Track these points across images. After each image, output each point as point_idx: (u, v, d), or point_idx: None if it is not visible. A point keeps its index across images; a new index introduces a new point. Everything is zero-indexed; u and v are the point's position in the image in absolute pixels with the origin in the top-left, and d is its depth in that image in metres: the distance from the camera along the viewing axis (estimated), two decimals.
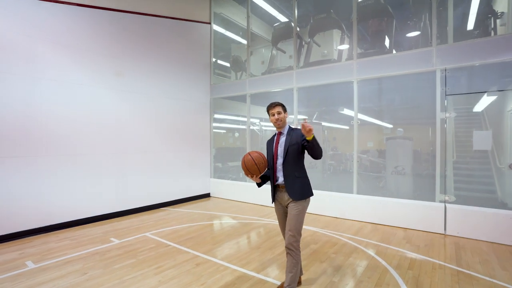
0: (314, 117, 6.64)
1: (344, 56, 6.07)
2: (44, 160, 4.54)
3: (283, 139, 2.63)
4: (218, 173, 7.99)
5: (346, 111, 5.92)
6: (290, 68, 6.45)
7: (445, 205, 4.50)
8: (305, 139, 2.41)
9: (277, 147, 2.65)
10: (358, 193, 5.40)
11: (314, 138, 2.37)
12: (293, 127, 2.74)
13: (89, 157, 5.10)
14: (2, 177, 4.12)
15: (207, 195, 7.67)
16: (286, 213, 2.67)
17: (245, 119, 7.31)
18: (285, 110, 2.68)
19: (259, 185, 2.76)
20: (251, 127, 7.85)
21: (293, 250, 2.48)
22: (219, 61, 8.35)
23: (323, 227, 4.87)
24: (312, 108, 6.53)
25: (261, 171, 2.60)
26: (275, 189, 2.68)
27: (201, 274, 3.12)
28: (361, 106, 5.53)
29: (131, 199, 5.79)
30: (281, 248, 3.88)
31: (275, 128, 2.68)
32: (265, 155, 2.68)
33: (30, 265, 3.36)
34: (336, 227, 4.83)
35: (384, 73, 5.20)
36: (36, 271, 3.20)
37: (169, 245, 4.00)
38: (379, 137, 5.63)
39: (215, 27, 7.90)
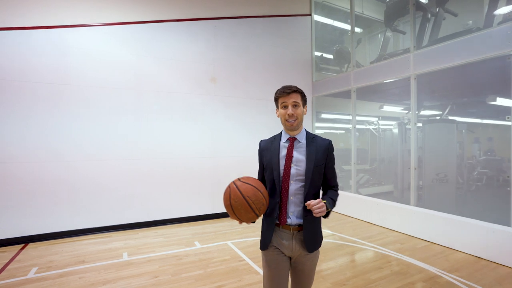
0: (446, 111, 4.89)
1: (497, 20, 4.14)
2: (147, 163, 5.16)
3: (301, 151, 1.63)
4: None
5: (500, 101, 4.01)
6: (406, 51, 4.98)
7: None
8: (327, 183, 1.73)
9: (290, 163, 1.62)
10: None
11: (330, 208, 1.58)
12: (310, 132, 1.76)
13: (187, 160, 5.49)
14: (113, 177, 4.93)
15: None
16: (288, 266, 1.69)
17: (360, 118, 6.23)
18: (305, 101, 1.66)
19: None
20: (368, 127, 6.69)
21: None
22: (325, 55, 7.55)
23: (454, 269, 3.37)
24: (441, 100, 4.82)
25: (258, 216, 1.57)
26: (274, 229, 1.64)
27: None
28: None
29: None
30: None
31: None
32: (260, 181, 1.63)
33: (125, 257, 3.78)
34: (476, 274, 3.25)
35: None
36: (125, 264, 3.55)
37: (243, 259, 3.69)
38: None
39: (317, 17, 7.16)
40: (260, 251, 3.67)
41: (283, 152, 1.64)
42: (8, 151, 4.24)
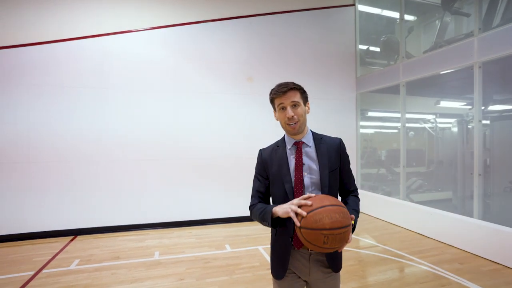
0: None
1: None
2: (186, 163, 5.24)
3: (311, 156, 1.42)
4: (372, 182, 6.60)
5: None
6: (469, 35, 4.22)
7: None
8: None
9: (302, 172, 1.38)
10: None
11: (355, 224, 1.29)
12: (317, 132, 1.54)
13: (224, 161, 5.44)
14: (155, 176, 5.08)
15: None
16: None
17: (411, 115, 5.58)
18: (305, 98, 1.46)
19: (275, 225, 1.31)
20: (424, 125, 5.95)
21: None
22: (371, 48, 6.92)
23: None
24: None
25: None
26: (290, 253, 1.38)
27: None
28: None
29: None
30: None
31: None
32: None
33: (156, 256, 3.83)
34: None
35: None
36: (154, 263, 3.58)
37: None
38: None
39: (361, 7, 6.57)
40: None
41: (293, 161, 1.42)
42: (65, 152, 4.66)
